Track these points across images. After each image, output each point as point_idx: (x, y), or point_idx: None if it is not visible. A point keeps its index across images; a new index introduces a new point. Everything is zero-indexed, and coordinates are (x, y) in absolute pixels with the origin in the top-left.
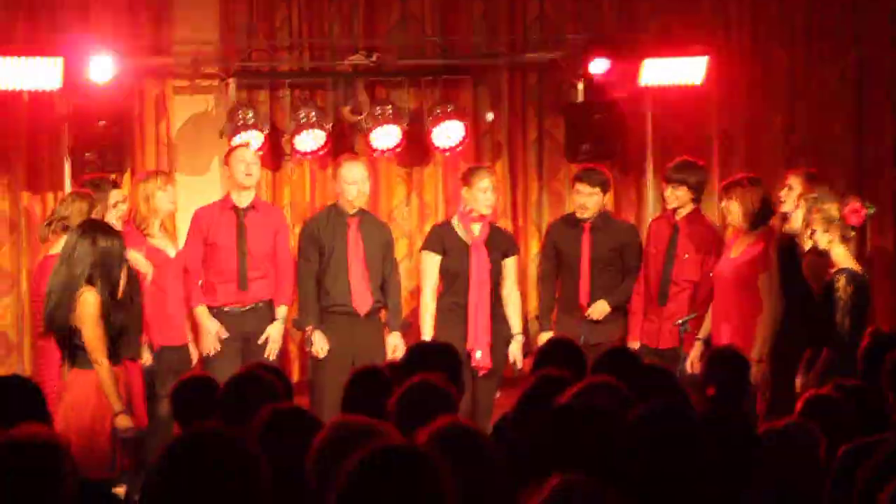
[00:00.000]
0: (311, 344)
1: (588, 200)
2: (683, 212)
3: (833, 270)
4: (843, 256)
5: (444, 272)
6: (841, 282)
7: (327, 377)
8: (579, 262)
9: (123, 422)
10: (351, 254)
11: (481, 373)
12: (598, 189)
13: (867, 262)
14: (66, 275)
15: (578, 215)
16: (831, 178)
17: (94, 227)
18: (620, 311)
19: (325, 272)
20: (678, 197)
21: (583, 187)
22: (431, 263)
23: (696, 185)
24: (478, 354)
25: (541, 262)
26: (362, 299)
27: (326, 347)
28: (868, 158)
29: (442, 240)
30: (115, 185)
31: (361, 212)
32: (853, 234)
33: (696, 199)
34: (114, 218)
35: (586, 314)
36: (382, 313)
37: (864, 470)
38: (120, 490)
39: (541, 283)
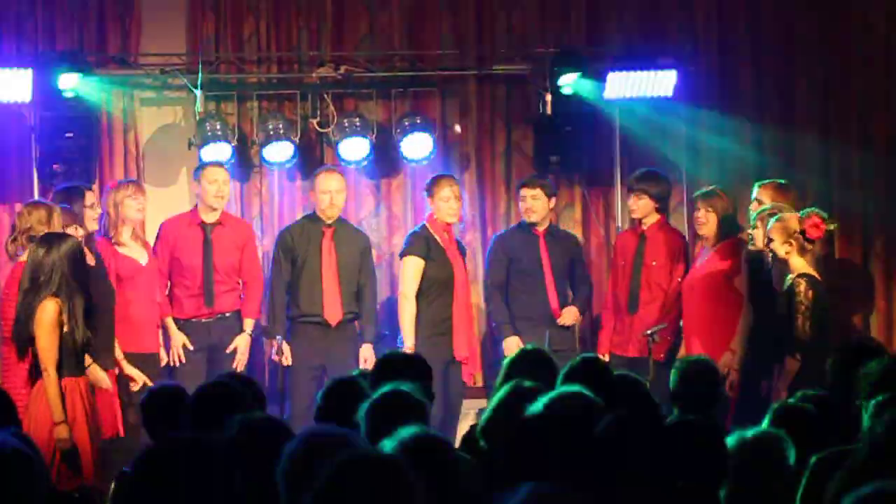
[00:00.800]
0: (281, 353)
1: (534, 204)
2: (649, 221)
3: (793, 276)
4: (801, 265)
5: (428, 278)
6: (801, 286)
7: (297, 386)
8: (541, 271)
9: (61, 432)
10: (324, 264)
11: (468, 380)
12: (538, 191)
13: (837, 275)
14: (32, 292)
15: (527, 219)
16: (801, 191)
17: (51, 239)
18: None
19: (297, 282)
20: (640, 206)
21: (525, 191)
22: (414, 269)
23: (659, 195)
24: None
25: (492, 272)
26: (333, 310)
27: (290, 355)
28: (837, 171)
29: (427, 245)
30: (87, 188)
31: (338, 221)
32: (811, 247)
33: (661, 209)
34: (90, 219)
35: (559, 321)
36: (357, 323)
37: (834, 480)
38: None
39: (496, 292)
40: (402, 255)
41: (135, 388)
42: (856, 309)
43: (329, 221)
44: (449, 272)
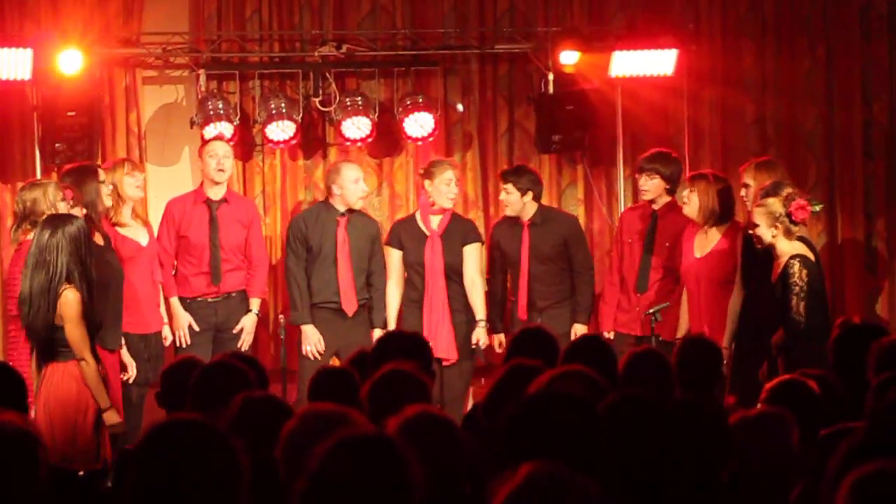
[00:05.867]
0: (306, 338)
1: (506, 198)
2: (661, 202)
3: (787, 257)
4: (788, 248)
5: (406, 265)
6: (795, 267)
7: (308, 370)
8: (520, 260)
9: (112, 418)
10: (339, 253)
11: (444, 363)
12: (509, 185)
13: (839, 254)
14: (43, 280)
15: (507, 213)
16: (803, 169)
17: (57, 220)
18: (569, 302)
19: (312, 269)
20: (652, 186)
21: (503, 185)
22: (393, 258)
23: (670, 176)
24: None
25: (488, 263)
26: (349, 299)
27: (322, 342)
28: (838, 149)
29: (399, 235)
30: (98, 165)
31: (350, 210)
32: (797, 228)
33: (671, 191)
34: (105, 195)
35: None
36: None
37: (836, 458)
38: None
39: (490, 284)
40: (384, 244)
41: (124, 376)
42: (858, 288)
43: (343, 210)
44: (420, 258)
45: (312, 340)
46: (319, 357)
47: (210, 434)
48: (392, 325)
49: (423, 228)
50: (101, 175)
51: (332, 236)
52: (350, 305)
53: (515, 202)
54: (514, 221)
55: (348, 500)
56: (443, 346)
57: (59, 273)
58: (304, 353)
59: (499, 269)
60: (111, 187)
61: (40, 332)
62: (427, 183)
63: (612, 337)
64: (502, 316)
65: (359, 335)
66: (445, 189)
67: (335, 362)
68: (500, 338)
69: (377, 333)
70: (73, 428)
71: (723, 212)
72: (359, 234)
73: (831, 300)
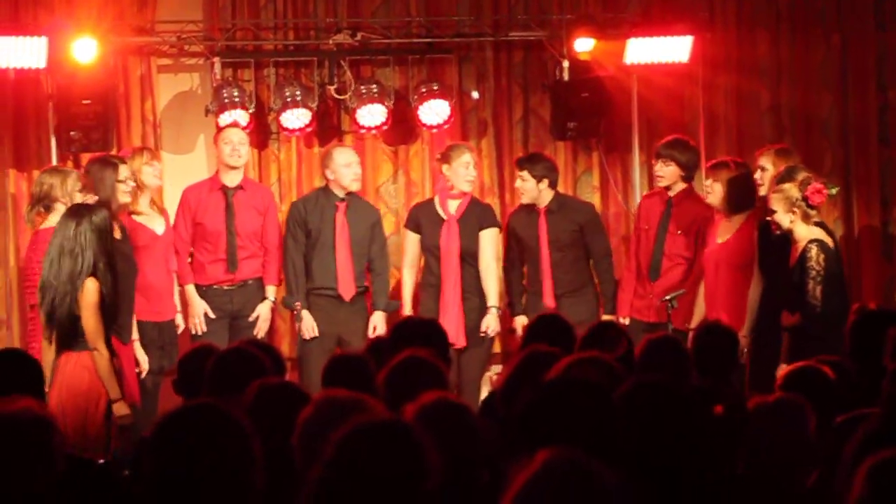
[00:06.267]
0: (300, 321)
1: (522, 185)
2: (676, 189)
3: (804, 242)
4: (806, 233)
5: (423, 249)
6: (812, 251)
7: (312, 357)
8: (539, 247)
9: (121, 409)
10: (338, 239)
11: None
12: (525, 172)
13: (855, 241)
14: (70, 269)
15: (523, 201)
16: (818, 155)
17: (83, 210)
18: (591, 290)
19: (310, 255)
20: (667, 173)
21: (519, 173)
22: (409, 241)
23: (686, 163)
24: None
25: (504, 251)
26: (347, 285)
27: (315, 327)
28: (853, 137)
29: (417, 218)
30: (122, 160)
31: (349, 195)
32: (815, 212)
33: (688, 178)
34: (123, 192)
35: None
36: (368, 296)
37: (852, 445)
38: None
39: (507, 272)
40: (403, 226)
41: (137, 370)
42: (875, 275)
43: (342, 195)
44: (437, 241)
45: (306, 325)
46: (314, 339)
47: (224, 419)
48: (408, 309)
49: (441, 212)
50: (122, 172)
51: (330, 221)
52: (347, 291)
53: (531, 189)
54: (531, 209)
55: (364, 486)
56: (451, 330)
57: (84, 264)
58: (302, 338)
59: (516, 257)
60: (132, 185)
61: (61, 320)
62: (445, 167)
63: (627, 323)
64: (520, 299)
65: (358, 321)
66: (464, 172)
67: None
68: (521, 320)
69: (378, 317)
70: (84, 418)
71: (746, 199)
72: (358, 220)
73: (848, 287)
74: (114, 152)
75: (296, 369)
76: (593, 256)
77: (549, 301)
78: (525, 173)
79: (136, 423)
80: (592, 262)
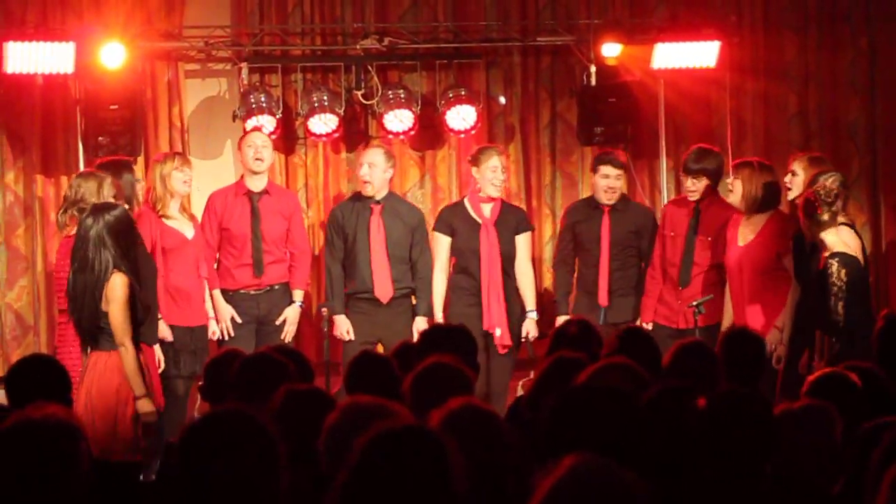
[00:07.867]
0: (331, 326)
1: (617, 184)
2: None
3: (826, 255)
4: (832, 241)
5: (457, 253)
6: (834, 267)
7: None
8: (599, 246)
9: (145, 406)
10: (373, 241)
11: (501, 350)
12: (621, 171)
13: (882, 246)
14: (93, 266)
15: (606, 200)
16: (845, 161)
17: (98, 210)
18: (637, 290)
19: (348, 259)
20: (701, 188)
21: (610, 170)
22: (441, 245)
23: (716, 172)
24: (497, 332)
25: (558, 245)
26: (384, 287)
27: (351, 330)
28: (881, 141)
29: (450, 221)
30: (133, 163)
31: (388, 196)
32: (841, 212)
33: (715, 185)
34: (139, 190)
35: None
36: (412, 297)
37: (878, 451)
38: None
39: (559, 266)
40: (432, 230)
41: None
42: None
43: (378, 197)
44: (475, 245)
45: (341, 329)
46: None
47: (251, 424)
48: (438, 312)
49: (475, 216)
50: (136, 174)
51: (365, 224)
52: (384, 293)
53: (623, 187)
54: (594, 205)
55: (390, 492)
56: (504, 333)
57: (102, 268)
58: (340, 338)
59: (569, 254)
60: (144, 185)
61: (88, 316)
62: (474, 170)
63: (650, 328)
64: (568, 298)
65: (400, 324)
66: (491, 175)
67: (379, 349)
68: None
69: (421, 322)
70: (114, 419)
71: (766, 200)
72: (396, 221)
73: (874, 294)
74: (142, 158)
75: (322, 374)
76: (645, 260)
77: (603, 300)
78: (621, 172)
79: (162, 425)
80: (645, 261)
